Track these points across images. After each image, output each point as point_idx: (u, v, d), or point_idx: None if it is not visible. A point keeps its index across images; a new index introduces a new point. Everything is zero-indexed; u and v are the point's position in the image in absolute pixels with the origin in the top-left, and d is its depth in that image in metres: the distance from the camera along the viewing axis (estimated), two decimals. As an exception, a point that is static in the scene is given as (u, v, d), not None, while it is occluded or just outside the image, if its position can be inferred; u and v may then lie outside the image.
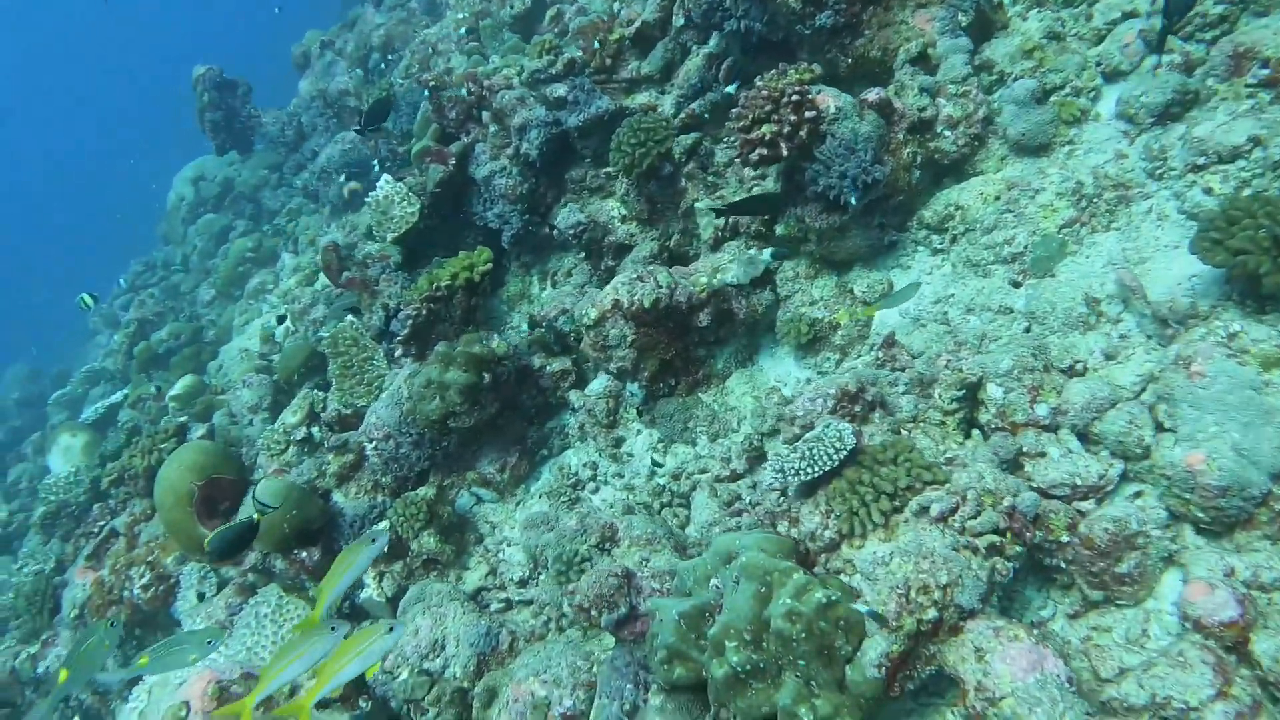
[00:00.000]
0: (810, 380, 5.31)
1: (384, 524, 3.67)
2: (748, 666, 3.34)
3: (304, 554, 5.75)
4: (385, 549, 5.50)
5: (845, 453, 3.90)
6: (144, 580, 7.14)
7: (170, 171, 15.66)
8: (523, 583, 5.44)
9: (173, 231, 15.81)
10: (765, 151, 4.95)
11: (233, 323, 12.00)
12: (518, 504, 5.97)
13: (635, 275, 5.35)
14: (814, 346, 5.34)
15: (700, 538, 4.91)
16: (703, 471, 5.32)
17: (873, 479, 3.84)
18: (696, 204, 5.87)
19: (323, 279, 10.71)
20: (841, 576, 3.71)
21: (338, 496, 6.15)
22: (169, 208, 15.85)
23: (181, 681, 5.41)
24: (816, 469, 3.90)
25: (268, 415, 8.60)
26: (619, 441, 5.80)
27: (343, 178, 9.82)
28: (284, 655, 3.34)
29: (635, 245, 6.34)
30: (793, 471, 3.97)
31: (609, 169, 6.66)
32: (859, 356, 5.26)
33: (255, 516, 6.05)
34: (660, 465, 5.39)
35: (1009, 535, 3.51)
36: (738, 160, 5.77)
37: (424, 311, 5.86)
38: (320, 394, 7.41)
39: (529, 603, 5.24)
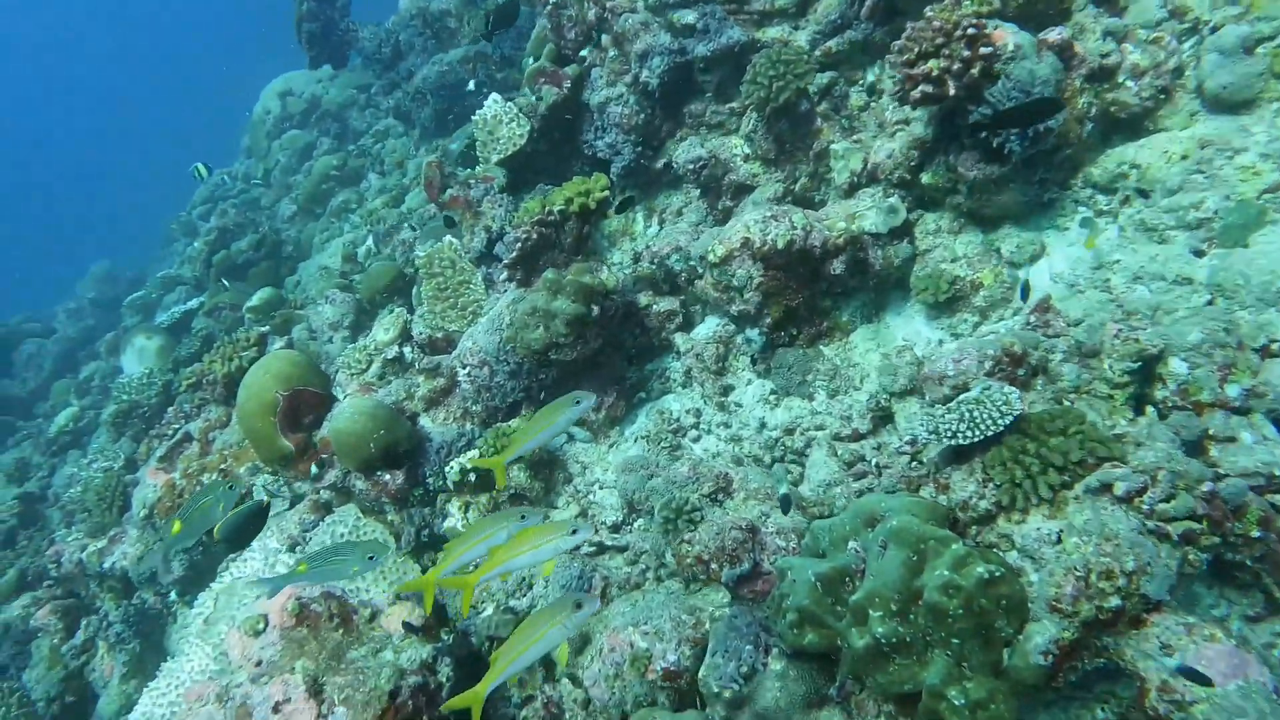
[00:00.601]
0: (942, 342, 4.92)
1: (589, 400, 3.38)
2: (893, 639, 3.02)
3: (387, 476, 5.52)
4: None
5: (1011, 418, 3.53)
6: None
7: (260, 83, 15.49)
8: (616, 527, 5.16)
9: (256, 145, 15.69)
10: (929, 89, 4.52)
11: (313, 240, 11.84)
12: (611, 446, 5.68)
13: (769, 213, 4.98)
14: (951, 306, 4.94)
15: (816, 497, 4.57)
16: (819, 428, 4.97)
17: (1039, 449, 3.47)
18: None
19: (410, 200, 10.47)
20: (996, 552, 3.35)
21: (425, 421, 5.91)
22: (254, 120, 15.71)
23: (258, 595, 5.23)
24: (977, 433, 3.54)
25: (348, 334, 8.40)
26: (727, 390, 5.46)
27: (471, 84, 9.43)
28: (473, 534, 3.09)
29: (757, 186, 5.95)
30: (948, 433, 3.61)
31: (733, 104, 6.26)
32: (1000, 320, 4.86)
33: (265, 500, 5.89)
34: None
35: (1206, 523, 3.13)
36: (888, 97, 5.38)
37: (533, 236, 5.54)
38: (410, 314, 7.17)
39: (623, 549, 4.96)
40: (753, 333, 5.26)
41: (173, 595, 7.60)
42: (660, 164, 6.66)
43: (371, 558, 3.46)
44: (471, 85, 8.86)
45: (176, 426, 7.82)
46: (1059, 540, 3.20)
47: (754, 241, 4.93)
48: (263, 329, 7.68)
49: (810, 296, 5.17)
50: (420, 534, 5.62)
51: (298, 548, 6.06)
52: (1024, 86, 4.40)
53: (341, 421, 5.42)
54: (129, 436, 9.51)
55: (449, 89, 10.82)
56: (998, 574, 2.98)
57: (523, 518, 3.08)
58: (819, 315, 5.23)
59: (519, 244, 5.54)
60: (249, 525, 5.84)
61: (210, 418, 7.44)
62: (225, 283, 11.28)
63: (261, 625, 4.37)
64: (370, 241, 10.26)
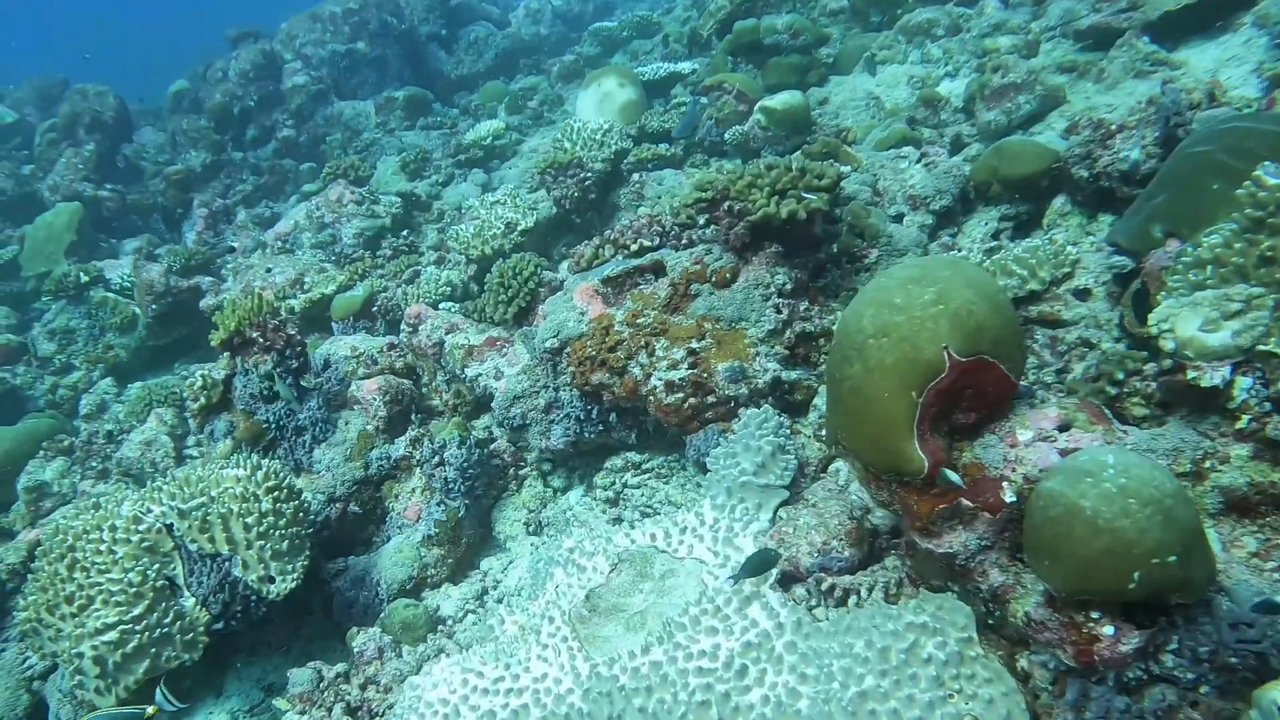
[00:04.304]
0: None
1: None
2: None
3: (1108, 629, 2.47)
4: None
5: None
6: (674, 373, 4.30)
7: None
8: None
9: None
10: None
11: (860, 53, 8.66)
12: None
13: None
14: None
15: None
16: None
17: None
18: None
19: (1040, 59, 6.99)
20: None
21: (1213, 534, 2.72)
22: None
23: None
24: None
25: (930, 221, 5.31)
26: None
27: None
28: None
29: None
30: None
31: None
32: None
33: (148, 711, 3.68)
34: None
35: None
36: None
37: None
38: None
39: None
40: None
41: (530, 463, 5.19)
42: None
43: None
44: None
45: (647, 244, 5.12)
46: None
47: None
48: (841, 169, 4.68)
49: None
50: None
51: (799, 633, 3.22)
52: None
53: (1092, 494, 2.35)
54: (553, 197, 7.10)
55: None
56: None
57: None
58: None
59: None
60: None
61: (707, 262, 4.65)
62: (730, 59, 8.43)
63: None
64: (961, 87, 7.02)
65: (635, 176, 7.25)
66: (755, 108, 7.31)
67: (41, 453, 6.56)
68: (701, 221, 5.11)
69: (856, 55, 8.64)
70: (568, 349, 4.76)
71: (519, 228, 6.82)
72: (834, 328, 4.56)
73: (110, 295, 8.08)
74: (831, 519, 3.39)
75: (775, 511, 3.71)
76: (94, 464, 6.39)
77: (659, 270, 4.84)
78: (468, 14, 13.62)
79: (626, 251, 5.12)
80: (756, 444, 3.82)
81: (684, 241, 5.09)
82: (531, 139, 9.70)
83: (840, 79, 8.46)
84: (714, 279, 4.57)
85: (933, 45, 8.32)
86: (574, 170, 7.09)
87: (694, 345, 4.39)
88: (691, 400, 4.29)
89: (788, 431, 3.96)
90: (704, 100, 8.14)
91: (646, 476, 4.80)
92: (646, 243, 5.08)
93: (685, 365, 4.33)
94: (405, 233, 8.31)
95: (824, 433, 3.76)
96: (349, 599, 4.88)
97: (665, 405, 4.32)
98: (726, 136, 7.54)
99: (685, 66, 9.10)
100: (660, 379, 4.34)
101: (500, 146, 9.43)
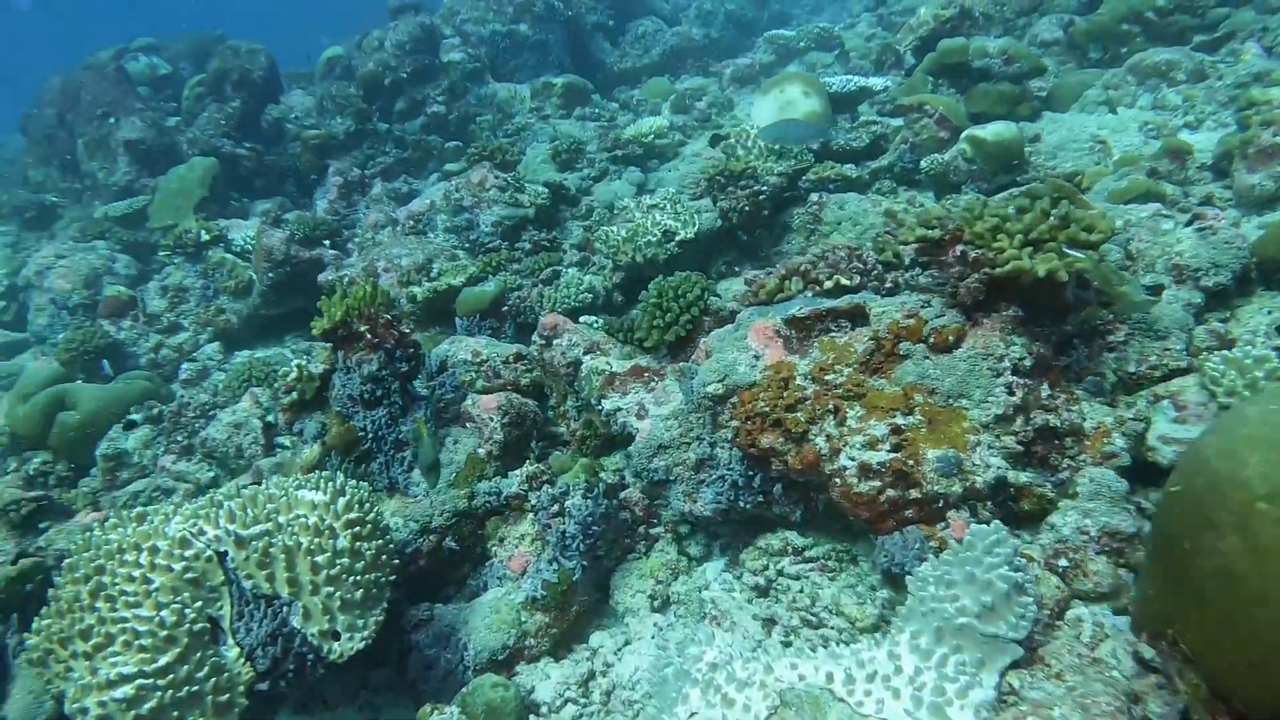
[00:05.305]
0: None
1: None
2: None
3: None
4: None
5: None
6: (873, 454, 3.41)
7: None
8: None
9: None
10: None
11: (1079, 91, 7.57)
12: None
13: None
14: None
15: None
16: None
17: None
18: None
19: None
20: None
21: None
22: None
23: None
24: None
25: (1197, 302, 4.24)
26: None
27: None
28: None
29: None
30: None
31: None
32: None
33: None
34: None
35: None
36: None
37: None
38: None
39: None
40: None
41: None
42: None
43: None
44: None
45: (845, 282, 4.18)
46: None
47: None
48: (1115, 222, 3.67)
49: None
50: None
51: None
52: None
53: None
54: (719, 208, 6.24)
55: None
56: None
57: None
58: None
59: None
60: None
61: (924, 317, 3.69)
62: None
63: None
64: (1204, 140, 5.94)
65: (814, 196, 6.34)
66: (961, 137, 6.32)
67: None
68: (907, 261, 4.18)
69: (1075, 92, 7.55)
70: (734, 398, 3.88)
71: (677, 237, 6.00)
72: (1109, 441, 3.55)
73: (229, 257, 7.57)
74: (1095, 711, 2.41)
75: (1002, 675, 2.75)
76: (179, 438, 5.80)
77: (858, 317, 3.91)
78: (637, 7, 12.92)
79: (818, 288, 4.20)
80: (985, 576, 2.85)
81: (888, 285, 4.16)
82: (695, 142, 8.88)
83: (1054, 116, 7.39)
84: (932, 339, 3.62)
85: (1169, 90, 7.16)
86: (746, 181, 6.23)
87: (898, 420, 3.45)
88: (890, 492, 3.36)
89: (1024, 561, 2.99)
90: (904, 122, 7.18)
91: (809, 567, 3.87)
92: (845, 281, 4.15)
93: (887, 446, 3.40)
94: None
95: (1136, 611, 2.72)
96: (429, 658, 4.09)
97: (856, 494, 3.39)
98: (922, 165, 6.57)
99: (876, 82, 8.14)
100: (853, 458, 3.41)
101: (661, 145, 8.63)
